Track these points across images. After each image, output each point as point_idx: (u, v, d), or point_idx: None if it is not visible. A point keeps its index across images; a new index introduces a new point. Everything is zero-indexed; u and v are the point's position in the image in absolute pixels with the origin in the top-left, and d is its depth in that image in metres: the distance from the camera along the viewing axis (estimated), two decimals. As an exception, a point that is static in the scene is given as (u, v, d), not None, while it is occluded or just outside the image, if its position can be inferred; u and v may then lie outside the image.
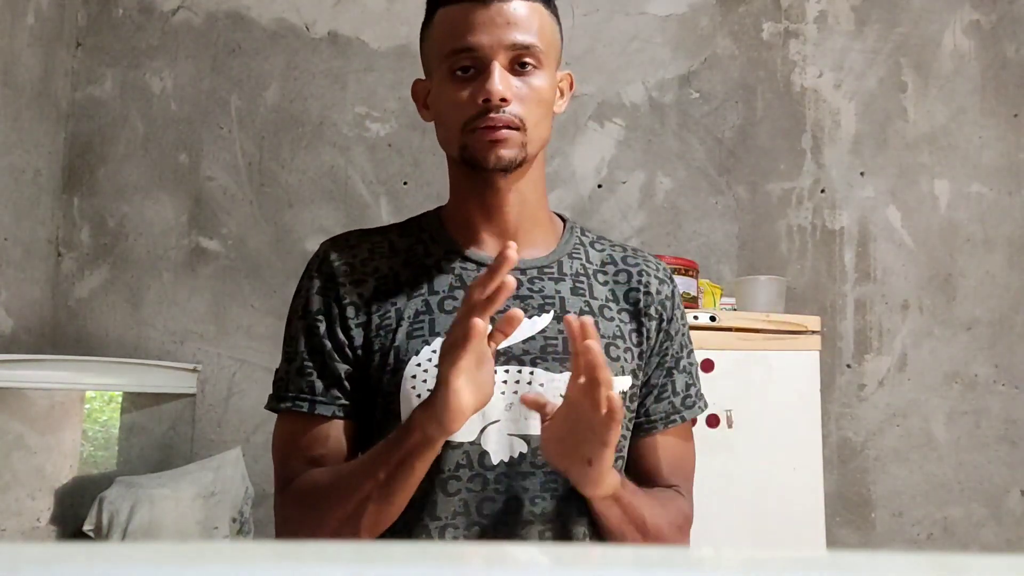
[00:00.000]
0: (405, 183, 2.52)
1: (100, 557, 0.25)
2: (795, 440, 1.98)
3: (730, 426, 1.96)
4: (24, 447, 2.16)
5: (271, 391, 0.96)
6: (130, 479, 2.13)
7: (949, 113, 2.57)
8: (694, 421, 1.04)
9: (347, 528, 0.84)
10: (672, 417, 0.99)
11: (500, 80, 0.87)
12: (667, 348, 1.00)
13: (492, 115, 0.88)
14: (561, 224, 1.04)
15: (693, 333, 1.98)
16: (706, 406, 1.04)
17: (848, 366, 2.48)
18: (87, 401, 2.44)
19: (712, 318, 2.02)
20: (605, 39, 2.60)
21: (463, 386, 0.77)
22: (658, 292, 1.01)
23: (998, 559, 0.27)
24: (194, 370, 2.40)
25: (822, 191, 2.55)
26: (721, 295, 2.26)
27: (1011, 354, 2.47)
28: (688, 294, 2.10)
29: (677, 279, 2.07)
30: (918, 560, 0.27)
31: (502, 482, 0.90)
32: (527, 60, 0.90)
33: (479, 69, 0.89)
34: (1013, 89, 2.57)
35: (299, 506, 0.89)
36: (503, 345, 0.91)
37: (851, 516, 2.42)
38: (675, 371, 1.01)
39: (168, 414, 2.40)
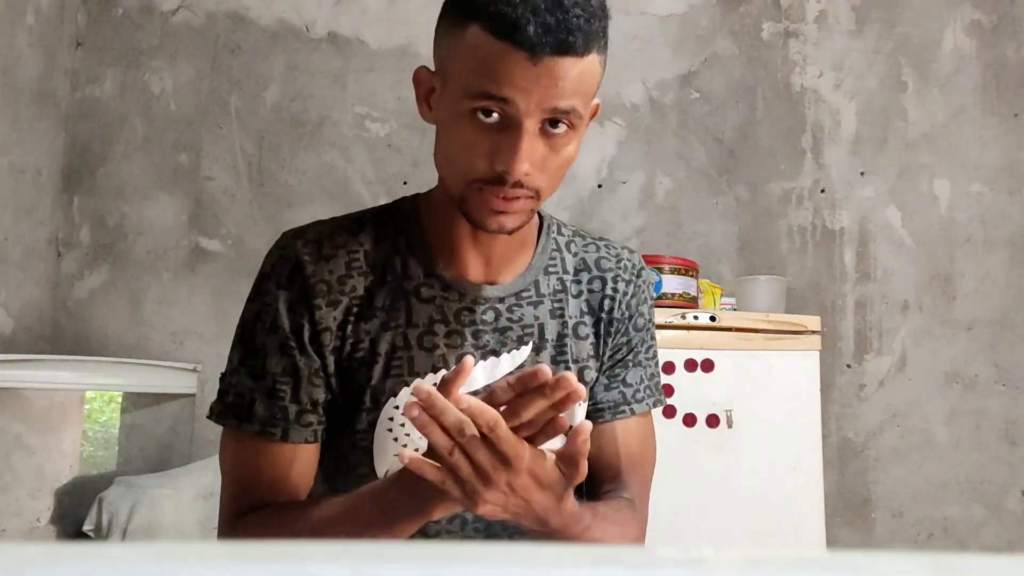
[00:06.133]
0: (405, 183, 2.52)
1: (100, 557, 0.25)
2: (795, 440, 1.98)
3: (730, 426, 1.96)
4: (24, 447, 2.16)
5: (222, 401, 0.88)
6: (130, 479, 2.12)
7: (949, 113, 2.57)
8: (668, 409, 0.96)
9: None
10: (621, 408, 0.95)
11: (527, 151, 0.76)
12: (620, 344, 0.97)
13: (507, 188, 0.77)
14: (538, 222, 0.97)
15: (693, 333, 2.00)
16: (660, 404, 1.00)
17: (848, 366, 2.48)
18: (87, 401, 2.45)
19: (712, 318, 2.02)
20: (605, 39, 2.60)
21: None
22: (624, 293, 0.97)
23: (998, 559, 0.27)
24: (194, 370, 2.40)
25: (822, 191, 2.55)
26: (721, 295, 2.26)
27: (1011, 354, 2.47)
28: (688, 294, 2.10)
29: (677, 279, 2.08)
30: (918, 560, 0.27)
31: (431, 519, 0.85)
32: (562, 123, 0.79)
33: (504, 120, 0.77)
34: (1013, 89, 2.57)
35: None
36: (480, 385, 0.87)
37: (851, 516, 2.42)
38: (630, 364, 0.97)
39: (168, 414, 2.40)
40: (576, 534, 0.79)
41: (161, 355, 2.43)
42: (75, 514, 2.13)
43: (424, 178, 2.50)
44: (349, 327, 0.87)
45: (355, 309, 0.87)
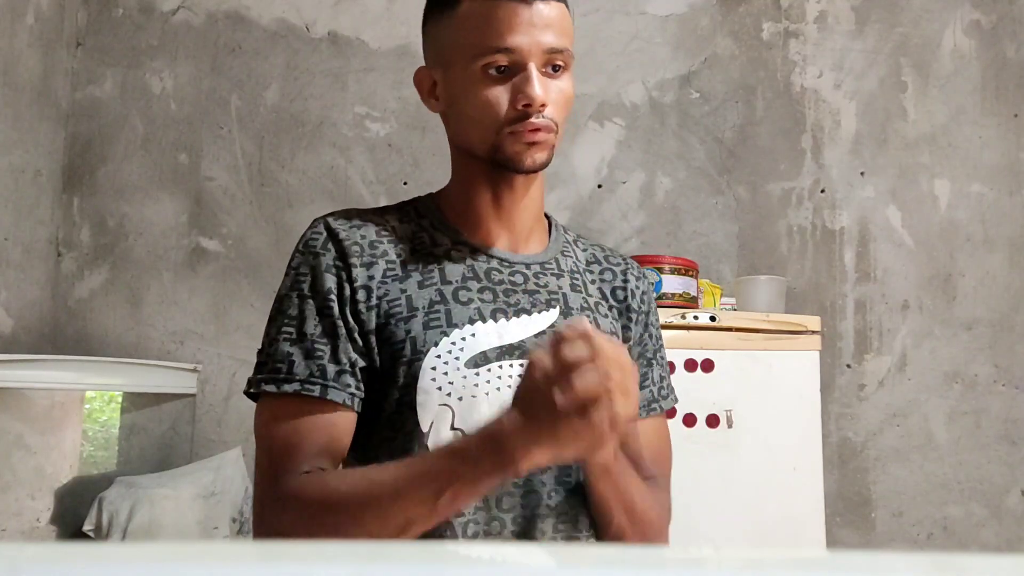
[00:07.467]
0: (405, 183, 2.52)
1: (100, 557, 0.25)
2: (795, 440, 1.98)
3: (730, 426, 1.96)
4: (24, 447, 2.16)
5: (259, 371, 0.88)
6: (130, 479, 2.12)
7: (949, 113, 2.57)
8: (673, 412, 1.04)
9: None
10: (652, 405, 1.01)
11: (539, 84, 0.87)
12: (646, 340, 1.04)
13: (533, 120, 0.88)
14: (547, 221, 1.05)
15: (693, 333, 2.00)
16: (677, 400, 1.06)
17: (848, 366, 2.48)
18: (87, 401, 2.44)
19: (712, 318, 2.02)
20: (605, 39, 2.60)
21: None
22: (636, 288, 1.04)
23: (998, 559, 0.27)
24: (194, 370, 2.39)
25: (822, 191, 2.55)
26: (721, 295, 2.26)
27: (1011, 354, 2.47)
28: (688, 294, 2.10)
29: (677, 279, 2.08)
30: (918, 560, 0.27)
31: (520, 476, 0.88)
32: (558, 63, 0.90)
33: (513, 70, 0.88)
34: (1013, 89, 2.57)
35: (312, 513, 0.81)
36: (516, 339, 0.91)
37: (851, 516, 2.42)
38: (653, 362, 1.04)
39: (168, 414, 2.40)
40: (611, 470, 0.85)
41: (161, 355, 2.43)
42: (75, 514, 2.13)
43: (424, 178, 2.50)
44: (385, 286, 0.91)
45: (389, 271, 0.92)
